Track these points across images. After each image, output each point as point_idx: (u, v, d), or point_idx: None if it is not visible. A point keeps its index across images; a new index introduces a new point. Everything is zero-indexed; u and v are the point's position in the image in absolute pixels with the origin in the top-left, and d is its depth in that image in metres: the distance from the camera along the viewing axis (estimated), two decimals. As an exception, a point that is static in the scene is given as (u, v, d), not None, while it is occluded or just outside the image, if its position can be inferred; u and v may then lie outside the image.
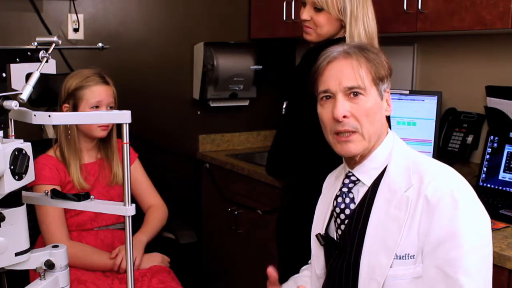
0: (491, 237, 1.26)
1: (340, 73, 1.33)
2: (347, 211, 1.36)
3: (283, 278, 2.00)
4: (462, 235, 1.20)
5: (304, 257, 1.83)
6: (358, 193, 1.37)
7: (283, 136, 1.96)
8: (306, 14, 1.91)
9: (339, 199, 1.39)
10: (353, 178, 1.38)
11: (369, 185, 1.35)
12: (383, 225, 1.29)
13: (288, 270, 1.98)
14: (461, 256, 1.19)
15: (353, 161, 1.38)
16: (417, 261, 1.25)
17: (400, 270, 1.26)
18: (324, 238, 1.43)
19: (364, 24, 1.85)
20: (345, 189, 1.38)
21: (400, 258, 1.26)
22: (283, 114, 1.98)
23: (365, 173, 1.36)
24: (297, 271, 1.76)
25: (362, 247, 1.31)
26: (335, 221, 1.40)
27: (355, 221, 1.35)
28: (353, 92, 1.32)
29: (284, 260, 2.01)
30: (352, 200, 1.37)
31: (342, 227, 1.37)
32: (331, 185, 1.51)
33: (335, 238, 1.41)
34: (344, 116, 1.31)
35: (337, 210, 1.38)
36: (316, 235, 1.45)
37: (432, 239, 1.22)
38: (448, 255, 1.20)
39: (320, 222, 1.48)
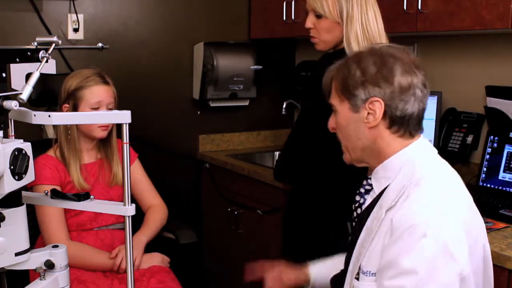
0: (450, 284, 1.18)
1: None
2: (358, 211, 1.39)
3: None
4: (402, 269, 1.16)
5: (305, 257, 1.84)
6: (370, 198, 1.38)
7: (295, 142, 1.93)
8: (309, 22, 1.91)
9: (357, 197, 1.41)
10: (370, 181, 1.38)
11: (378, 193, 1.34)
12: (366, 238, 1.29)
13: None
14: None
15: (371, 168, 1.38)
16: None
17: (363, 285, 1.26)
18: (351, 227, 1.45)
19: (362, 25, 1.84)
20: (362, 190, 1.40)
21: (363, 273, 1.26)
22: (297, 120, 1.96)
23: (377, 181, 1.34)
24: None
25: (352, 252, 1.33)
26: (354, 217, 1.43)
27: (357, 225, 1.36)
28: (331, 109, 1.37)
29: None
30: (364, 202, 1.38)
31: (354, 224, 1.40)
32: None
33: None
34: (334, 129, 1.39)
35: (353, 207, 1.42)
36: (347, 223, 1.48)
37: (382, 261, 1.22)
38: (383, 282, 1.20)
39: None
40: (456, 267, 1.16)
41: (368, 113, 1.28)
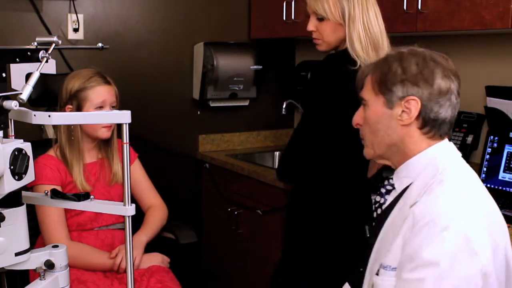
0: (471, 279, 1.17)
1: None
2: (379, 211, 1.42)
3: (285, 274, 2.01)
4: (423, 261, 1.17)
5: (308, 260, 1.84)
6: (391, 197, 1.39)
7: (297, 142, 1.93)
8: (311, 25, 1.91)
9: (377, 198, 1.44)
10: (391, 181, 1.40)
11: (399, 192, 1.35)
12: (387, 235, 1.31)
13: (290, 269, 1.99)
14: (409, 280, 1.18)
15: (393, 166, 1.39)
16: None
17: (382, 279, 1.26)
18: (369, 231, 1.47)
19: (364, 25, 1.84)
20: (383, 190, 1.43)
21: (384, 268, 1.26)
22: (301, 121, 1.96)
23: (399, 180, 1.36)
24: (296, 272, 1.77)
25: (372, 250, 1.34)
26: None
27: (377, 223, 1.37)
28: (362, 103, 1.38)
29: (286, 259, 2.02)
30: (385, 201, 1.40)
31: (373, 224, 1.42)
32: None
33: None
34: (359, 124, 1.40)
35: (373, 208, 1.45)
36: (366, 225, 1.49)
37: (403, 254, 1.22)
38: (402, 274, 1.20)
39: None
40: (478, 263, 1.16)
41: (403, 111, 1.30)
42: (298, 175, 1.94)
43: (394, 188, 1.37)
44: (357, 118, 1.40)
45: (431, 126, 1.30)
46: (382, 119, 1.33)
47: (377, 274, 1.28)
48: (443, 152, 1.32)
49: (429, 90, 1.28)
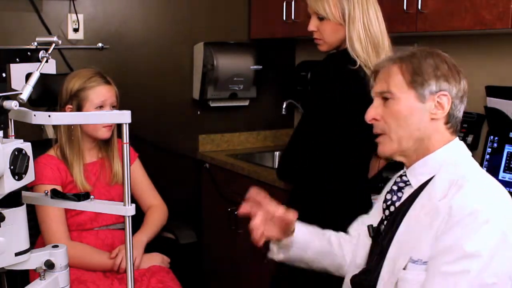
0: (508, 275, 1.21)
1: (379, 78, 1.39)
2: (392, 208, 1.39)
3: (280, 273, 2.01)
4: (464, 253, 1.18)
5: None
6: (405, 194, 1.39)
7: (297, 142, 1.93)
8: (312, 25, 1.91)
9: (388, 196, 1.41)
10: (404, 178, 1.40)
11: (415, 188, 1.36)
12: (409, 228, 1.31)
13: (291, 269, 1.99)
14: (451, 273, 1.19)
15: (407, 163, 1.39)
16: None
17: (412, 274, 1.26)
18: (374, 231, 1.44)
19: (364, 25, 1.85)
20: (395, 187, 1.41)
21: (413, 262, 1.27)
22: (301, 121, 1.96)
23: (415, 176, 1.37)
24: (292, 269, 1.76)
25: (390, 245, 1.34)
26: (382, 216, 1.43)
27: (392, 220, 1.37)
28: (383, 97, 1.36)
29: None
30: (399, 199, 1.39)
31: (385, 222, 1.41)
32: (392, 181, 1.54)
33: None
34: (375, 119, 1.38)
35: (384, 206, 1.42)
36: (368, 226, 1.46)
37: (437, 247, 1.23)
38: (441, 267, 1.21)
39: (376, 214, 1.50)
40: None
41: (435, 105, 1.32)
42: (298, 175, 1.94)
43: (407, 184, 1.38)
44: (373, 112, 1.38)
45: (453, 122, 1.35)
46: (414, 113, 1.33)
47: (404, 269, 1.27)
48: (460, 147, 1.38)
49: (457, 88, 1.34)
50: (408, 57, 1.36)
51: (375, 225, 1.45)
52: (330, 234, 1.60)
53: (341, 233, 1.62)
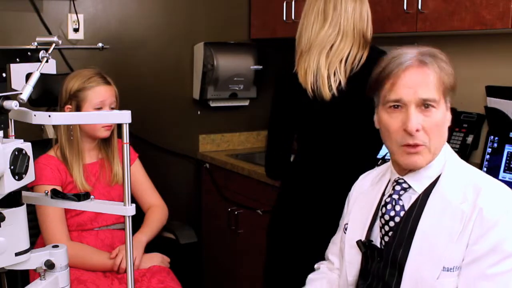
0: None
1: (415, 83, 1.27)
2: (397, 219, 1.33)
3: (271, 274, 2.02)
4: (508, 253, 1.19)
5: (292, 256, 1.84)
6: (410, 200, 1.34)
7: (276, 137, 2.03)
8: None
9: (389, 206, 1.35)
10: (404, 185, 1.35)
11: (419, 193, 1.32)
12: (432, 235, 1.27)
13: (277, 266, 2.00)
14: (498, 273, 1.19)
15: (407, 169, 1.35)
16: (459, 273, 1.24)
17: (447, 282, 1.24)
18: (366, 245, 1.39)
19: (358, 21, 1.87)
20: (395, 196, 1.35)
21: (447, 270, 1.24)
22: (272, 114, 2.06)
23: (418, 181, 1.33)
24: (285, 269, 1.76)
25: (408, 255, 1.29)
26: (382, 228, 1.36)
27: (402, 229, 1.32)
28: (425, 104, 1.28)
29: (272, 257, 2.03)
30: (403, 207, 1.34)
31: (390, 233, 1.34)
32: (368, 189, 1.47)
33: (379, 245, 1.37)
34: (417, 130, 1.27)
35: (386, 217, 1.35)
36: (357, 242, 1.40)
37: (476, 251, 1.21)
38: (486, 270, 1.20)
39: (359, 228, 1.43)
40: None
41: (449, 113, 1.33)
42: (284, 170, 2.00)
43: (406, 191, 1.35)
44: (415, 122, 1.27)
45: None
46: (446, 121, 1.32)
47: (437, 278, 1.24)
48: (448, 147, 1.37)
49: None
50: (438, 60, 1.30)
51: (362, 239, 1.40)
52: (324, 275, 1.55)
53: (325, 264, 1.59)
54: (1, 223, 1.17)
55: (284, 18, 2.86)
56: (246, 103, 3.25)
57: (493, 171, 2.20)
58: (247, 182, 2.77)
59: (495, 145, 2.23)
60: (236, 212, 2.85)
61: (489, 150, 2.25)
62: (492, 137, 2.24)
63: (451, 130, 2.43)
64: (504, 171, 2.18)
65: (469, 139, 2.39)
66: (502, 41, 2.30)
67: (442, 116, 1.30)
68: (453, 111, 2.44)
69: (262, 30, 3.16)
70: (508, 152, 2.19)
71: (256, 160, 3.07)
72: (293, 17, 2.81)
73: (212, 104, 3.14)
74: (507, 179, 2.16)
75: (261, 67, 3.13)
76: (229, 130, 3.29)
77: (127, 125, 1.31)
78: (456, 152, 2.38)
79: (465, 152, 2.39)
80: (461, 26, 2.08)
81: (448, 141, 2.44)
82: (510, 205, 1.23)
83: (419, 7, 2.19)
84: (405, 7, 2.23)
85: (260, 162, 3.05)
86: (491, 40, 2.35)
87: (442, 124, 1.30)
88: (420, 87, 1.27)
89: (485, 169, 2.23)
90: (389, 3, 2.28)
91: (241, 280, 2.91)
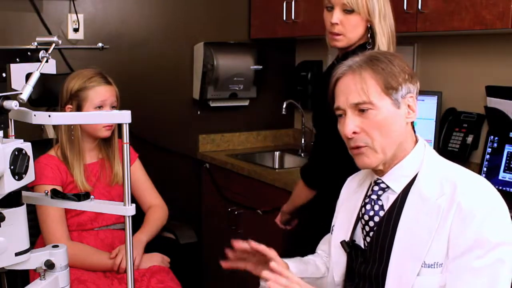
0: None
1: (346, 89, 1.33)
2: (376, 218, 1.35)
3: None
4: (493, 244, 1.20)
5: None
6: (388, 200, 1.35)
7: (319, 147, 1.93)
8: (336, 17, 1.82)
9: (368, 206, 1.37)
10: (382, 185, 1.36)
11: (398, 192, 1.34)
12: (412, 233, 1.28)
13: None
14: (485, 266, 1.19)
15: (379, 170, 1.36)
16: (444, 269, 1.24)
17: (427, 278, 1.25)
18: (350, 246, 1.40)
19: (391, 21, 1.85)
20: (374, 196, 1.37)
21: (428, 267, 1.25)
22: (317, 125, 1.94)
23: (395, 180, 1.34)
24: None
25: (391, 254, 1.30)
26: (363, 229, 1.38)
27: (384, 228, 1.33)
28: (359, 109, 1.31)
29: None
30: (382, 207, 1.35)
31: (371, 234, 1.36)
32: (354, 191, 1.48)
33: (363, 246, 1.39)
34: (355, 132, 1.31)
35: (366, 217, 1.36)
36: (341, 242, 1.41)
37: (460, 245, 1.22)
38: (472, 263, 1.20)
39: (343, 228, 1.44)
40: None
41: (407, 109, 1.33)
42: (323, 181, 1.91)
43: (385, 191, 1.36)
44: (352, 127, 1.31)
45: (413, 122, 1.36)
46: (395, 119, 1.31)
47: (418, 275, 1.25)
48: (426, 144, 1.38)
49: (416, 87, 1.36)
50: (375, 62, 1.32)
51: (347, 239, 1.41)
52: (315, 259, 1.58)
53: (316, 255, 1.60)
54: (1, 223, 1.18)
55: (284, 18, 2.86)
56: (246, 103, 3.25)
57: (493, 171, 2.20)
58: (247, 182, 2.77)
59: (495, 145, 2.23)
60: (236, 212, 2.85)
61: (489, 150, 2.25)
62: (492, 137, 2.25)
63: (451, 130, 2.45)
64: (504, 171, 2.18)
65: (469, 139, 2.39)
66: (502, 41, 2.30)
67: (385, 116, 1.30)
68: (453, 111, 2.48)
69: (262, 30, 3.16)
70: (508, 152, 2.19)
71: (256, 160, 3.07)
72: (293, 17, 2.82)
73: (212, 104, 3.14)
74: (507, 179, 2.16)
75: (261, 67, 3.13)
76: (229, 130, 3.29)
77: (127, 125, 1.31)
78: (456, 152, 2.42)
79: (465, 152, 2.39)
80: (461, 26, 2.08)
81: (448, 141, 2.46)
82: (488, 196, 1.24)
83: (419, 7, 2.19)
84: (405, 7, 2.24)
85: (260, 162, 3.05)
86: (491, 40, 2.35)
87: (386, 124, 1.31)
88: (351, 93, 1.32)
89: (485, 169, 2.24)
90: (389, 3, 2.28)
91: (241, 280, 2.91)
